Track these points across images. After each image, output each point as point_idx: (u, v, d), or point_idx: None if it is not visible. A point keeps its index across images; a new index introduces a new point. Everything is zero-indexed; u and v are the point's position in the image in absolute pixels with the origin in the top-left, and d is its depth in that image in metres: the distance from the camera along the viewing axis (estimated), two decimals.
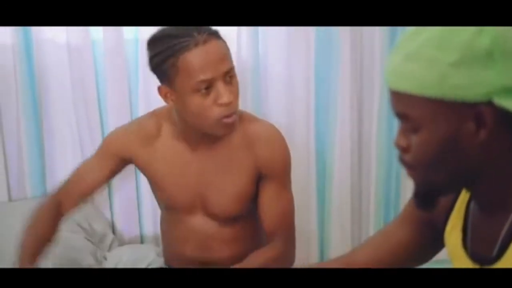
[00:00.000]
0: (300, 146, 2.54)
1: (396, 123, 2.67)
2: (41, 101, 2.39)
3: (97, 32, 2.35)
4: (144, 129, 1.82)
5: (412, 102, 1.03)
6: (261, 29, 2.44)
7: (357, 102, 2.55)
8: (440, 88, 0.99)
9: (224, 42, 1.66)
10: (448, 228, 1.21)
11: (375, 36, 2.47)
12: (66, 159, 2.45)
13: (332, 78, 2.51)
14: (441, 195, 1.15)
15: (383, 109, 2.53)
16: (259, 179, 1.80)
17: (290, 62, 2.47)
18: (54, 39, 2.33)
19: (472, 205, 1.17)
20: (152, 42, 1.67)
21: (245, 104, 2.43)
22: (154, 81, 2.39)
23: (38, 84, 2.37)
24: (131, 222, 2.55)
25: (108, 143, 1.88)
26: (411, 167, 1.09)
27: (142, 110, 2.42)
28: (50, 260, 2.05)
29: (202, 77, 1.59)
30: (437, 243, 1.29)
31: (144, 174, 1.89)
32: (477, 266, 1.14)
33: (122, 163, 1.86)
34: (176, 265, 1.95)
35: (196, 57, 1.59)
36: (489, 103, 0.99)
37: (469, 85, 0.98)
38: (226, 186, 1.79)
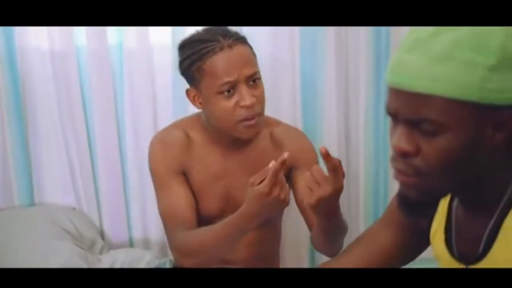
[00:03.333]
0: None
1: (382, 121, 2.66)
2: (26, 109, 2.38)
3: (81, 38, 2.34)
4: (178, 140, 1.86)
5: (441, 106, 0.98)
6: (245, 29, 2.44)
7: (344, 100, 2.55)
8: (479, 91, 0.97)
9: (249, 47, 1.75)
10: (433, 229, 1.22)
11: (360, 31, 2.47)
12: (52, 167, 2.44)
13: (318, 75, 2.50)
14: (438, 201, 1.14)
15: (370, 108, 2.53)
16: (289, 175, 1.83)
17: (275, 59, 2.46)
18: (38, 46, 2.32)
19: (454, 204, 1.17)
20: (181, 48, 1.78)
21: None
22: (139, 87, 2.41)
23: (22, 92, 2.36)
24: (120, 227, 2.54)
25: (166, 167, 1.84)
26: (419, 174, 1.04)
27: (127, 115, 2.42)
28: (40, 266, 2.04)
29: (226, 79, 1.67)
30: (423, 244, 1.29)
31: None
32: (462, 265, 1.15)
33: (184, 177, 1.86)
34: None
35: (220, 60, 1.68)
36: (510, 108, 0.99)
37: (504, 89, 0.98)
38: None
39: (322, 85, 2.50)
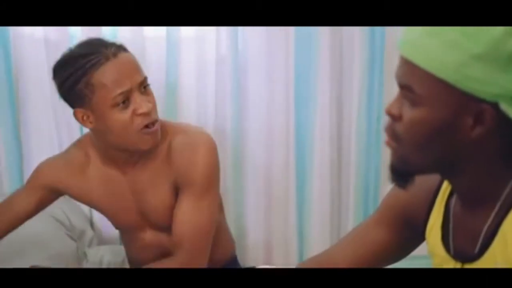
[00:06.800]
0: (280, 141, 2.55)
1: (374, 119, 2.65)
2: (19, 97, 2.37)
3: (75, 27, 2.33)
4: (73, 159, 1.80)
5: (422, 77, 1.02)
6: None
7: (336, 95, 2.56)
8: (455, 74, 0.99)
9: (131, 54, 1.66)
10: (429, 225, 1.22)
11: (354, 31, 2.47)
12: (44, 155, 2.41)
13: (312, 71, 2.51)
14: (416, 175, 1.14)
15: (362, 104, 2.54)
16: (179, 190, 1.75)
17: (270, 54, 2.47)
18: (32, 34, 2.31)
19: (453, 201, 1.17)
20: (60, 68, 1.64)
21: (224, 98, 2.45)
22: None
23: (15, 80, 2.35)
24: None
25: (38, 175, 1.84)
26: (397, 139, 1.08)
27: None
28: (33, 256, 2.03)
29: (119, 90, 1.58)
30: (416, 241, 1.29)
31: (81, 202, 1.90)
32: (457, 263, 1.15)
33: (52, 195, 1.84)
34: None
35: (110, 71, 1.58)
36: (494, 105, 1.00)
37: (483, 81, 0.98)
38: (157, 200, 1.76)
39: (315, 78, 2.51)
